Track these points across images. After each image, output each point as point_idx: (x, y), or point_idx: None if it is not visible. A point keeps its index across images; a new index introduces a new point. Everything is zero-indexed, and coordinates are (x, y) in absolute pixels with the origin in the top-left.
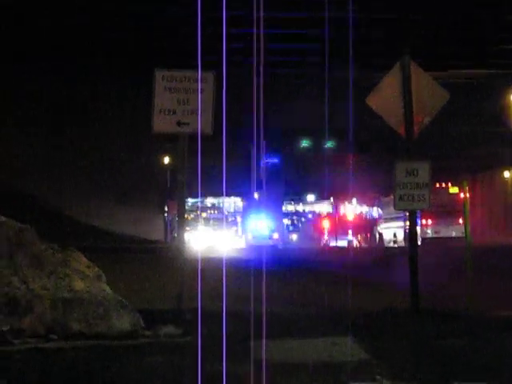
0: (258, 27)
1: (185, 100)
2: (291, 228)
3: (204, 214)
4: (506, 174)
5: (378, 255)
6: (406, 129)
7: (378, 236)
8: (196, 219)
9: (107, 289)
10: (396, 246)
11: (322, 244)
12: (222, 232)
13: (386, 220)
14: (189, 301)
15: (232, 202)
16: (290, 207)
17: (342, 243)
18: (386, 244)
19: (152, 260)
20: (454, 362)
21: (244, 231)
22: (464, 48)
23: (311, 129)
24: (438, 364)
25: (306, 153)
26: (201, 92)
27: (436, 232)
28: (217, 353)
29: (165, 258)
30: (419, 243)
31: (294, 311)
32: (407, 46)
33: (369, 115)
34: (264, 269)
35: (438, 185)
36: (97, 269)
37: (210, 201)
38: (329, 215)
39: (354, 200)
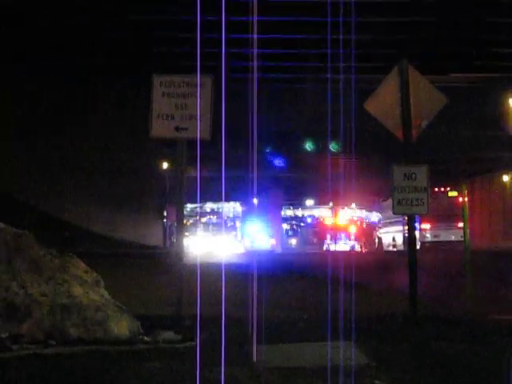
0: (256, 32)
1: (183, 105)
2: (290, 233)
3: (203, 220)
4: (505, 177)
5: (377, 259)
6: (403, 133)
7: (377, 240)
8: (195, 224)
9: (106, 294)
10: (395, 249)
11: (324, 249)
12: (221, 237)
13: (385, 224)
14: (188, 306)
15: (231, 207)
16: (288, 212)
17: (342, 248)
18: (385, 248)
19: (151, 265)
20: (453, 367)
21: (243, 236)
22: (462, 51)
23: (311, 132)
24: (438, 368)
25: (306, 157)
26: (199, 97)
27: (435, 236)
28: (216, 358)
29: (163, 263)
30: (418, 247)
31: (293, 315)
32: (405, 49)
33: (368, 119)
34: (262, 274)
35: (436, 189)
36: (95, 274)
37: (209, 206)
38: (328, 220)
39: (354, 205)
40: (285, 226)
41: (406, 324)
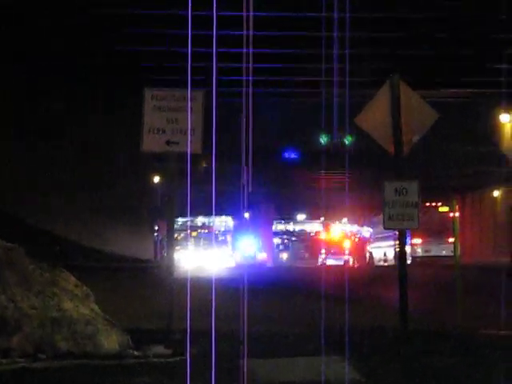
0: (248, 46)
1: (174, 119)
2: (281, 247)
3: (194, 233)
4: (496, 193)
5: (368, 274)
6: (395, 148)
7: (368, 255)
8: (186, 238)
9: (96, 308)
10: (386, 264)
11: (318, 263)
12: (212, 251)
13: (377, 239)
14: (178, 320)
15: (222, 222)
16: (280, 226)
17: (335, 262)
18: (376, 263)
19: (141, 279)
20: (444, 381)
21: (234, 250)
22: (453, 67)
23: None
24: (428, 383)
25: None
26: (190, 111)
27: (426, 251)
28: (206, 373)
29: (154, 277)
30: (409, 262)
31: (284, 330)
32: (396, 65)
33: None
34: (253, 288)
35: (428, 204)
36: (85, 288)
37: (200, 220)
38: (320, 235)
39: (345, 219)
40: (276, 240)
41: (396, 338)
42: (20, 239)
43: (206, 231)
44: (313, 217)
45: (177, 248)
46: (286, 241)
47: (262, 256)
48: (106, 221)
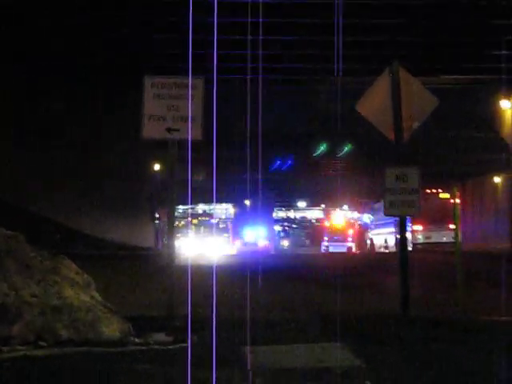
0: (252, 33)
1: (174, 106)
2: (282, 234)
3: (195, 221)
4: (497, 179)
5: (369, 260)
6: (395, 134)
7: (368, 242)
8: (187, 226)
9: (97, 296)
10: (387, 251)
11: (321, 250)
12: (213, 239)
13: (377, 226)
14: (179, 308)
15: (223, 209)
16: (281, 214)
17: (335, 249)
18: (376, 250)
19: (142, 267)
20: (445, 367)
21: (235, 238)
22: (454, 53)
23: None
24: (429, 369)
25: (302, 159)
26: (191, 98)
27: (427, 237)
28: (207, 360)
29: (155, 265)
30: (410, 249)
31: (285, 316)
32: (396, 51)
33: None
34: (254, 275)
35: (428, 190)
36: (86, 276)
37: (201, 207)
38: (320, 222)
39: (346, 206)
40: (277, 227)
41: (397, 325)
42: (21, 227)
43: (207, 219)
44: (313, 204)
45: (177, 235)
46: (286, 228)
47: (265, 243)
48: (107, 209)
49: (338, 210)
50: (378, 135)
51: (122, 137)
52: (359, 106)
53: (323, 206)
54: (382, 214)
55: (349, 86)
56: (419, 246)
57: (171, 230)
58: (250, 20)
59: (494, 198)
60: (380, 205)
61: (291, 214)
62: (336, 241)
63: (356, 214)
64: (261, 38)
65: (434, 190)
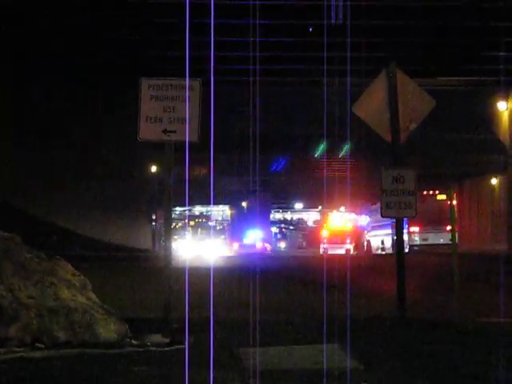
0: (251, 35)
1: (171, 108)
2: (279, 236)
3: (192, 223)
4: (494, 181)
5: (366, 262)
6: (392, 136)
7: (365, 243)
8: (184, 228)
9: (94, 297)
10: (384, 253)
11: (320, 252)
12: (210, 240)
13: (374, 227)
14: (176, 310)
15: (220, 211)
16: (278, 215)
17: (334, 251)
18: (373, 251)
19: (139, 268)
20: (442, 369)
21: (232, 239)
22: (452, 54)
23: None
24: (426, 371)
25: (299, 160)
26: (188, 100)
27: (424, 239)
28: (204, 361)
29: (152, 266)
30: (407, 250)
31: (282, 318)
32: (393, 53)
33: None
34: (251, 277)
35: (425, 192)
36: (83, 277)
37: (198, 209)
38: (317, 223)
39: (343, 208)
40: (274, 229)
41: (394, 326)
42: (18, 229)
43: (204, 220)
44: (310, 205)
45: (175, 237)
46: (283, 230)
47: (262, 245)
48: (104, 210)
49: (335, 211)
50: (376, 137)
51: (120, 138)
52: (356, 107)
53: (320, 207)
54: (379, 216)
55: (345, 88)
56: (416, 248)
57: (168, 232)
58: (247, 22)
59: (492, 200)
60: (377, 206)
61: (288, 215)
62: (334, 243)
63: (353, 216)
64: (258, 39)
65: (431, 192)
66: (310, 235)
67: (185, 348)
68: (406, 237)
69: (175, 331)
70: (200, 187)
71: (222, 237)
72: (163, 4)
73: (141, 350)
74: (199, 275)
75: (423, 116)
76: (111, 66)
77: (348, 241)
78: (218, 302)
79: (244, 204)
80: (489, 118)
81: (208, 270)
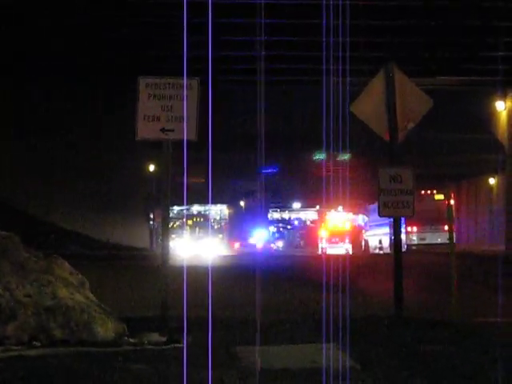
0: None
1: (169, 107)
2: (277, 235)
3: (190, 222)
4: (491, 180)
5: (364, 262)
6: (390, 135)
7: (363, 243)
8: (182, 227)
9: (91, 296)
10: (381, 252)
11: (318, 252)
12: (208, 239)
13: (372, 227)
14: (173, 308)
15: (218, 210)
16: (275, 215)
17: (333, 251)
18: (371, 251)
19: (137, 267)
20: (439, 369)
21: (232, 239)
22: (449, 54)
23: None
24: (424, 370)
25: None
26: (186, 99)
27: (421, 239)
28: (202, 360)
29: (150, 265)
30: (404, 250)
31: (280, 317)
32: (391, 52)
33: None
34: (250, 276)
35: (423, 191)
36: (80, 276)
37: (196, 208)
38: (316, 223)
39: (340, 207)
40: (272, 228)
41: (391, 326)
42: (16, 228)
43: (202, 219)
44: (308, 205)
45: (172, 236)
46: (281, 229)
47: (264, 244)
48: (102, 209)
49: (333, 211)
50: (372, 135)
51: (119, 138)
52: (354, 107)
53: (318, 207)
54: (376, 215)
55: (344, 87)
56: (414, 248)
57: (165, 231)
58: (248, 21)
59: (489, 200)
60: (375, 206)
61: (286, 215)
62: (332, 242)
63: (351, 216)
64: (256, 39)
65: (429, 191)
66: (308, 235)
67: (182, 346)
68: (403, 236)
69: (173, 330)
70: (198, 186)
71: (220, 236)
72: (164, 4)
73: (138, 348)
74: (197, 274)
75: (421, 115)
76: (110, 66)
77: (346, 240)
78: (215, 301)
79: (242, 203)
80: (487, 118)
81: (206, 268)
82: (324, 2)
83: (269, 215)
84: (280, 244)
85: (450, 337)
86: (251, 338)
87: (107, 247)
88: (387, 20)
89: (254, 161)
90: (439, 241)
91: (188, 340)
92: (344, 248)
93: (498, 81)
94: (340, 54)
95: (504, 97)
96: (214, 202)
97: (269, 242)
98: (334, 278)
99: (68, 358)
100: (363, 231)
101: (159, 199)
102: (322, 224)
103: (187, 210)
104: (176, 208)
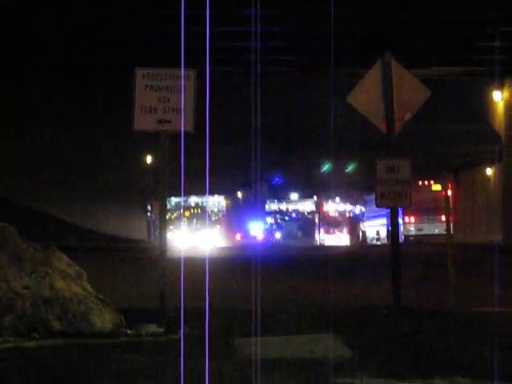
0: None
1: (166, 98)
2: (275, 227)
3: (187, 213)
4: (489, 171)
5: (361, 252)
6: (387, 125)
7: (360, 234)
8: (179, 218)
9: (88, 287)
10: (379, 243)
11: (318, 243)
12: (206, 231)
13: (369, 218)
14: (171, 300)
15: (216, 201)
16: (273, 206)
17: (330, 242)
18: (368, 242)
19: (135, 259)
20: (437, 359)
21: (230, 230)
22: (446, 45)
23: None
24: (420, 360)
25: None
26: (183, 90)
27: (419, 229)
28: (200, 351)
29: (147, 257)
30: (402, 241)
31: (278, 308)
32: (388, 43)
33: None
34: (247, 267)
35: (420, 182)
36: (78, 267)
37: (193, 200)
38: (313, 214)
39: (337, 198)
40: (269, 219)
41: (389, 316)
42: (13, 220)
43: (200, 211)
44: (306, 196)
45: (170, 228)
46: (279, 220)
47: (264, 236)
48: (100, 201)
49: (330, 202)
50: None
51: (117, 130)
52: (351, 97)
53: (315, 198)
54: (374, 206)
55: (341, 78)
56: (411, 238)
57: (163, 222)
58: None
59: (487, 190)
60: (372, 197)
61: (283, 206)
62: (329, 233)
63: (348, 206)
64: (256, 29)
65: (426, 182)
66: (305, 226)
67: (180, 337)
68: (401, 227)
69: (170, 321)
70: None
71: (218, 227)
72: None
73: (136, 339)
74: (194, 265)
75: (418, 106)
76: (112, 65)
77: (343, 231)
78: (213, 292)
79: (240, 195)
80: (484, 109)
81: (203, 260)
82: None
83: (266, 206)
84: (278, 235)
85: (448, 327)
86: (249, 328)
87: (105, 239)
88: (384, 10)
89: (252, 153)
90: (436, 231)
91: (185, 331)
92: (341, 239)
93: (494, 71)
94: (333, 44)
95: (501, 87)
96: (212, 194)
97: (268, 233)
98: (331, 268)
99: (66, 350)
100: (361, 222)
101: (156, 191)
102: (320, 215)
103: (184, 201)
104: (173, 199)
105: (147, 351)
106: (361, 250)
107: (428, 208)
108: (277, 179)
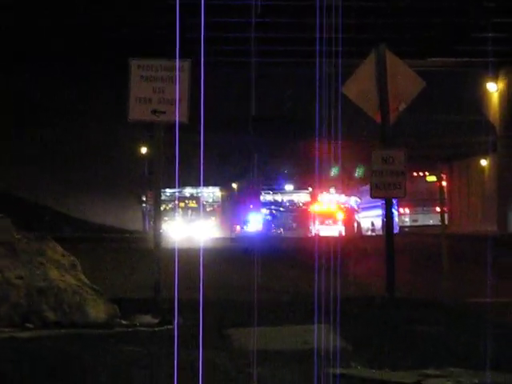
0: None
1: (161, 89)
2: (269, 218)
3: (182, 204)
4: (483, 162)
5: (356, 243)
6: (382, 116)
7: (355, 225)
8: (174, 209)
9: (83, 278)
10: (374, 234)
11: (312, 234)
12: (200, 222)
13: (364, 209)
14: (166, 290)
15: (210, 192)
16: (268, 197)
17: (326, 233)
18: (363, 232)
19: (129, 250)
20: (431, 349)
21: (224, 221)
22: (441, 36)
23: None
24: (414, 350)
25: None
26: (178, 81)
27: (414, 220)
28: (194, 341)
29: (142, 247)
30: (397, 231)
31: (272, 299)
32: (382, 34)
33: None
34: (242, 258)
35: (415, 173)
36: (72, 258)
37: (188, 191)
38: (308, 205)
39: (332, 189)
40: (264, 210)
41: (383, 307)
42: (7, 210)
43: (194, 202)
44: (301, 187)
45: (165, 219)
46: (274, 211)
47: (253, 226)
48: (95, 192)
49: (324, 193)
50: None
51: (111, 121)
52: (346, 88)
53: (310, 189)
54: (368, 197)
55: (336, 69)
56: (406, 229)
57: (158, 213)
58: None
59: (482, 181)
60: (367, 187)
61: (278, 197)
62: (324, 224)
63: (343, 197)
64: (238, 20)
65: (421, 173)
66: (300, 217)
67: (174, 328)
68: (395, 218)
69: (165, 312)
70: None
71: (213, 218)
72: None
73: (130, 330)
74: (189, 256)
75: (412, 97)
76: (112, 65)
77: (338, 222)
78: (208, 283)
79: (235, 186)
80: (479, 99)
81: (198, 251)
82: None
83: (261, 197)
84: (273, 226)
85: (442, 317)
86: (243, 319)
87: (100, 230)
88: (378, 1)
89: (247, 142)
90: (431, 222)
91: (180, 321)
92: (336, 230)
93: (489, 62)
94: (331, 36)
95: (495, 78)
96: (206, 185)
97: (263, 224)
98: (326, 259)
99: (60, 340)
100: (355, 213)
101: (151, 181)
102: (315, 206)
103: (179, 192)
104: (168, 190)
105: (141, 342)
106: (355, 240)
107: (423, 199)
108: (282, 183)
